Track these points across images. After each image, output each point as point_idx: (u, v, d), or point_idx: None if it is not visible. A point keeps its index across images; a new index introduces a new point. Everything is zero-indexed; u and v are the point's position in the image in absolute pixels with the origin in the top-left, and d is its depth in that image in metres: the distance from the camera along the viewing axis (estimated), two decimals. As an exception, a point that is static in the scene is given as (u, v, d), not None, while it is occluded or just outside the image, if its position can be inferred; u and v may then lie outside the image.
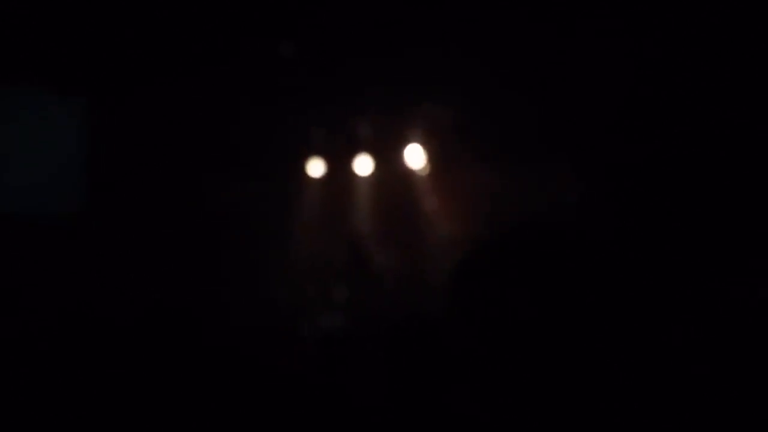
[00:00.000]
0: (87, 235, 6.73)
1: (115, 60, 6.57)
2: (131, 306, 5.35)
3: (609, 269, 1.60)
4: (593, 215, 6.70)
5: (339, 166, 7.46)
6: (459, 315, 1.54)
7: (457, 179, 7.36)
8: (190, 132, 6.90)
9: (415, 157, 7.37)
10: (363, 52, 6.56)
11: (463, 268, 1.58)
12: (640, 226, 6.64)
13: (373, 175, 7.49)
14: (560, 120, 6.97)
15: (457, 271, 1.58)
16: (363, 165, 7.45)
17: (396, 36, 6.43)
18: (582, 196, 6.90)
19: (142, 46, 6.39)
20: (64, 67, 6.69)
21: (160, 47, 6.46)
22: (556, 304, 1.51)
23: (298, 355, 5.67)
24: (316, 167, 7.51)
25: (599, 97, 6.79)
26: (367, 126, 7.38)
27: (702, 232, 6.33)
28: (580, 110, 6.84)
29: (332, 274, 7.23)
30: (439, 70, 6.61)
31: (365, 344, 5.20)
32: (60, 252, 6.53)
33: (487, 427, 1.54)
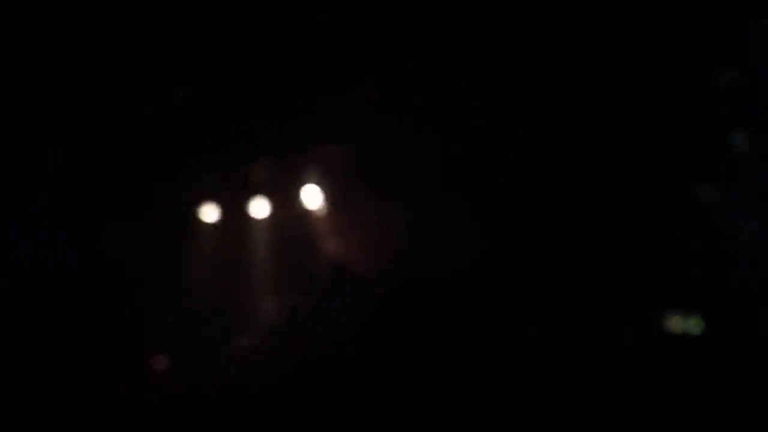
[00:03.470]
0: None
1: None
2: (27, 367, 5.18)
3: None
4: (488, 253, 6.74)
5: (233, 209, 7.34)
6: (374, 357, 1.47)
7: (355, 218, 7.34)
8: (76, 181, 6.74)
9: (312, 197, 7.31)
10: (255, 92, 6.52)
11: (379, 315, 1.52)
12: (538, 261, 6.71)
13: (269, 217, 7.39)
14: (457, 156, 7.02)
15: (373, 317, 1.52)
16: (259, 208, 7.35)
17: (288, 75, 6.42)
18: (478, 233, 6.93)
19: (20, 94, 6.24)
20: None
21: (49, 92, 6.32)
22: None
23: (197, 404, 5.53)
24: (209, 212, 7.37)
25: (500, 131, 6.86)
26: (261, 168, 7.30)
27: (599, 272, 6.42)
28: (477, 145, 6.89)
29: (230, 322, 7.10)
30: (333, 108, 6.61)
31: (267, 389, 5.11)
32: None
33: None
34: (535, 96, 6.39)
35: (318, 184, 7.31)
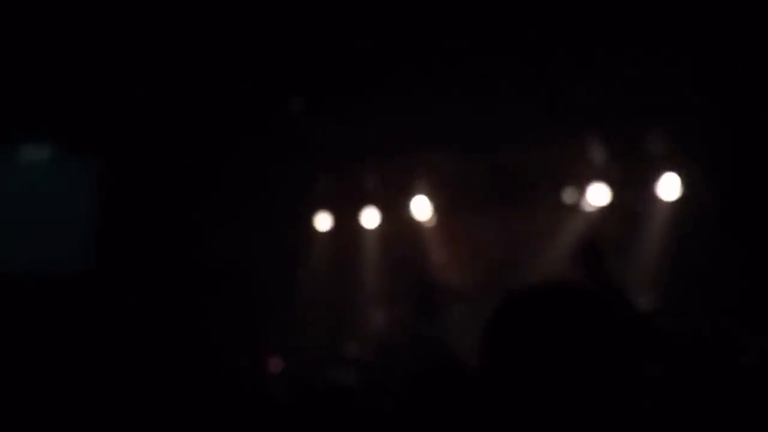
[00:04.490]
0: (97, 292, 6.75)
1: (124, 120, 6.64)
2: (139, 362, 5.34)
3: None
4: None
5: (346, 219, 7.47)
6: (489, 369, 1.53)
7: (463, 229, 7.37)
8: (198, 187, 6.94)
9: (421, 208, 7.38)
10: (367, 105, 6.61)
11: (496, 323, 1.57)
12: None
13: (380, 227, 7.50)
14: (563, 167, 7.01)
15: (490, 326, 1.58)
16: (370, 217, 7.47)
17: (399, 90, 6.48)
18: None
19: (149, 104, 6.46)
20: (72, 129, 6.76)
21: (166, 105, 6.52)
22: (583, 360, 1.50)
23: (308, 408, 5.64)
24: (323, 221, 7.53)
25: (601, 145, 6.85)
26: (373, 179, 7.41)
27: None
28: (585, 157, 6.89)
29: (342, 327, 7.21)
30: (443, 121, 6.65)
31: (377, 397, 5.17)
32: (71, 309, 6.55)
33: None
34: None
35: (427, 195, 7.38)
